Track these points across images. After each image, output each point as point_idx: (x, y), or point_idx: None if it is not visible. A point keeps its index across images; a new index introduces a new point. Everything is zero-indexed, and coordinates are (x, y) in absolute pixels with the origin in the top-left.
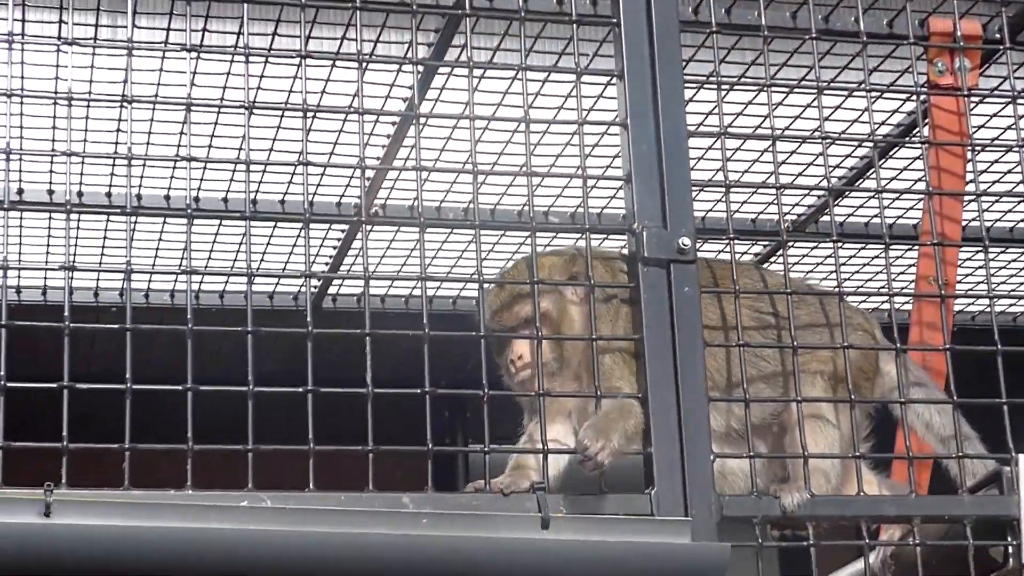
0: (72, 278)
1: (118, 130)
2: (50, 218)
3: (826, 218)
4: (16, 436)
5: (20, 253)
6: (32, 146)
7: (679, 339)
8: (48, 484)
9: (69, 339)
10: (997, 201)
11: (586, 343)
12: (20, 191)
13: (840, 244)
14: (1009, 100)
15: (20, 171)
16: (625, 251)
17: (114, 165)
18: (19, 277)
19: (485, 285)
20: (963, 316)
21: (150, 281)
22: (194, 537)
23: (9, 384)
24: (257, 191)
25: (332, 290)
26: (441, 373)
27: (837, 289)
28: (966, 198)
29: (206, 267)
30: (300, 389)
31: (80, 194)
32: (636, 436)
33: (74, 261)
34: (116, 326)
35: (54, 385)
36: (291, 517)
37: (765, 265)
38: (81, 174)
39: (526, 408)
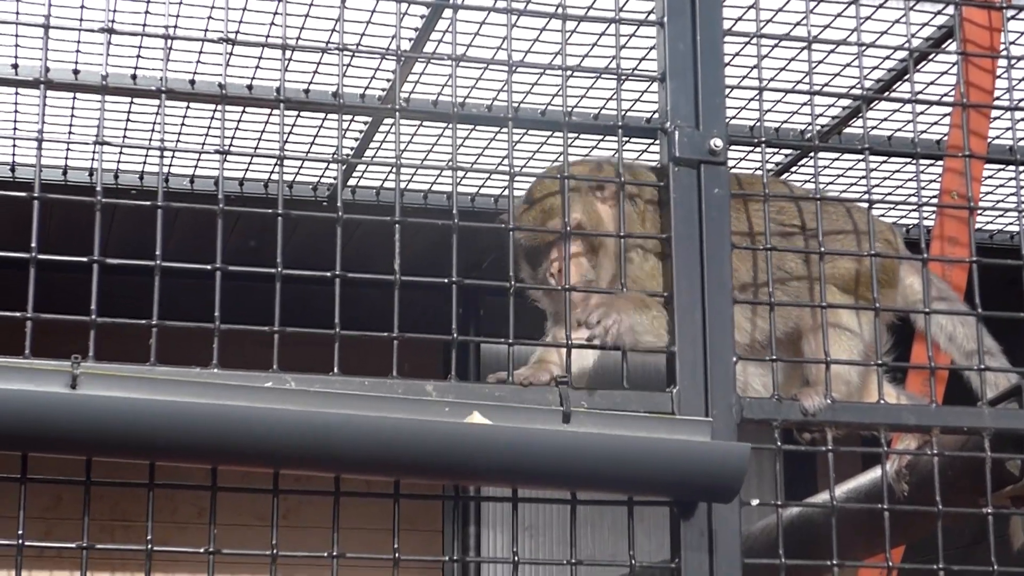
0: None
1: (147, 12)
2: (74, 98)
3: (848, 130)
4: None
5: None
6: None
7: (707, 239)
8: (75, 356)
9: (101, 214)
10: None
11: (619, 253)
12: None
13: (869, 153)
14: None
15: None
16: (646, 161)
17: (140, 47)
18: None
19: (516, 201)
20: (981, 234)
21: (171, 165)
22: (217, 414)
23: (40, 256)
24: (282, 80)
25: (352, 182)
26: (458, 270)
27: (868, 198)
28: (993, 113)
29: (229, 148)
30: (328, 274)
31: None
32: (650, 331)
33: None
34: (148, 203)
35: (84, 259)
36: (314, 399)
37: (785, 176)
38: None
39: (550, 314)
